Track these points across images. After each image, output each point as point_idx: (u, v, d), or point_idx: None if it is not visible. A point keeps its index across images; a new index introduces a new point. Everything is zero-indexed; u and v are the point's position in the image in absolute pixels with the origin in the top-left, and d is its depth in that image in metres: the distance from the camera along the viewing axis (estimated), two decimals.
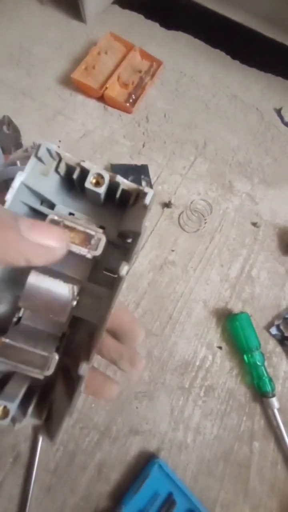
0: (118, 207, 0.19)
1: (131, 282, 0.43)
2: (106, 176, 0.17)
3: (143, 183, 0.50)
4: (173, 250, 0.46)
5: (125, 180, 0.18)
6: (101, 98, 0.56)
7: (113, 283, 0.19)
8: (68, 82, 0.56)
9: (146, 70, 0.60)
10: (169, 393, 0.38)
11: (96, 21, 0.64)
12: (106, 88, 0.54)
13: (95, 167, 0.17)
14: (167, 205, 0.48)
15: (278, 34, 0.60)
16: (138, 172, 0.50)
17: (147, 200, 0.17)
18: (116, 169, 0.49)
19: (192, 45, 0.67)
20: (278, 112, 0.61)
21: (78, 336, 0.19)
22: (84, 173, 0.17)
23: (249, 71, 0.66)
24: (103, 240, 0.16)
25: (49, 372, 0.15)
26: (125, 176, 0.49)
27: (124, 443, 0.35)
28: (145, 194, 0.17)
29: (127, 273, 0.16)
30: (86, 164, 0.17)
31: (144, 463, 0.34)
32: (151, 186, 0.49)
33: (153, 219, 0.48)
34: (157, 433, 0.36)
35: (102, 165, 0.50)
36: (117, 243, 0.19)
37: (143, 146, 0.53)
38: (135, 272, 0.43)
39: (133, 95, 0.57)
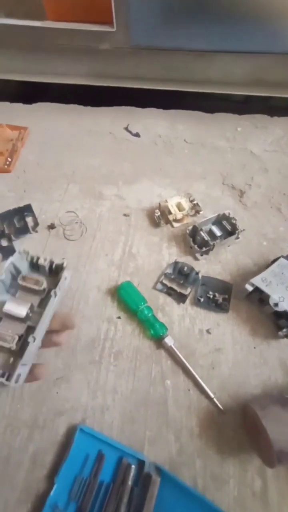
0: None
1: None
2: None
3: (29, 218, 0.60)
4: (63, 258, 0.54)
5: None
6: None
7: None
8: None
9: (16, 137, 0.76)
10: (82, 370, 0.43)
11: None
12: None
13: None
14: (51, 226, 0.58)
15: (105, 82, 0.78)
16: (22, 211, 0.61)
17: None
18: (3, 216, 0.60)
19: (50, 108, 0.85)
20: (126, 128, 0.77)
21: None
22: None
23: (99, 110, 0.83)
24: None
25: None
26: (11, 218, 0.60)
27: (52, 427, 0.39)
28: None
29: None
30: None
31: (72, 436, 0.38)
32: (35, 218, 0.60)
33: (43, 241, 0.57)
34: (79, 407, 0.41)
35: None
36: None
37: (25, 191, 0.65)
38: None
39: (9, 158, 0.70)
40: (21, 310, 0.36)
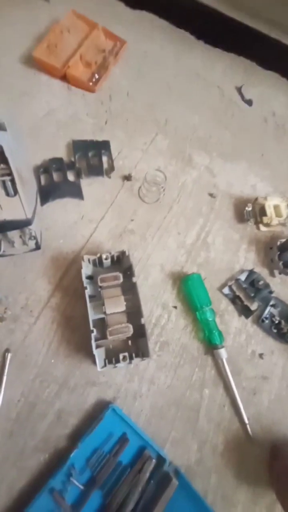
0: None
1: (90, 249, 0.45)
2: None
3: (104, 157, 0.52)
4: (132, 220, 0.48)
5: None
6: (65, 78, 0.57)
7: None
8: (31, 62, 0.57)
9: (110, 49, 0.62)
10: None
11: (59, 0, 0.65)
12: (69, 67, 0.55)
13: None
14: (127, 178, 0.50)
15: (238, 14, 0.62)
16: (99, 147, 0.52)
17: None
18: (77, 145, 0.51)
19: (156, 25, 0.68)
20: (239, 90, 0.63)
21: None
22: None
23: (213, 51, 0.68)
24: None
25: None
26: (86, 151, 0.51)
27: (82, 393, 0.38)
28: None
29: None
30: None
31: (101, 410, 0.37)
32: (112, 161, 0.51)
33: (114, 191, 0.50)
34: (113, 384, 0.39)
35: (65, 142, 0.52)
36: None
37: (106, 123, 0.55)
38: (94, 241, 0.46)
39: (96, 74, 0.58)
40: (121, 306, 0.37)
